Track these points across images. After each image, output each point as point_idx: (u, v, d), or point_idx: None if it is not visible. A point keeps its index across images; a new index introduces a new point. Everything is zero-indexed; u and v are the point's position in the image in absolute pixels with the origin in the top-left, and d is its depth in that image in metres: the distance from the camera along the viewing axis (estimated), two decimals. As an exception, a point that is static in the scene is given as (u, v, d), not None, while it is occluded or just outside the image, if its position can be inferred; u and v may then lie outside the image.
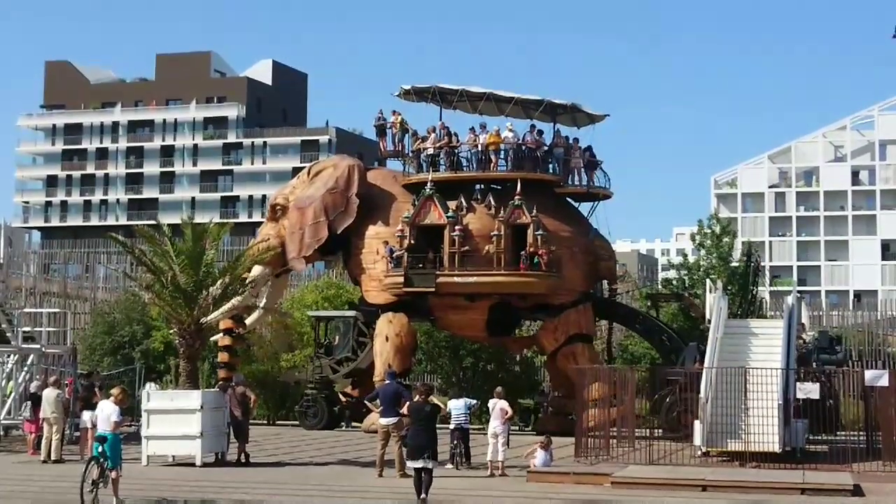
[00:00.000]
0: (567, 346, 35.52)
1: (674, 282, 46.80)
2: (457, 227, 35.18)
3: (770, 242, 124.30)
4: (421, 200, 35.68)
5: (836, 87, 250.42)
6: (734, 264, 46.10)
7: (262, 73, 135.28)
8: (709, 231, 46.75)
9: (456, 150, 36.78)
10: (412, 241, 35.28)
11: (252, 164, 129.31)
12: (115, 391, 20.98)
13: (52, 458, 26.84)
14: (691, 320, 39.11)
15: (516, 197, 35.15)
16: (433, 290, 35.05)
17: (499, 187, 36.32)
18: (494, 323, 36.13)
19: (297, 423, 38.59)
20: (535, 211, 35.04)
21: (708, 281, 35.99)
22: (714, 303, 30.27)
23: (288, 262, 36.90)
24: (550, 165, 36.95)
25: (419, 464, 20.00)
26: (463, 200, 35.82)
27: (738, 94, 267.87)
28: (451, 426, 26.22)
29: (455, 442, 25.86)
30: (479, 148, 36.41)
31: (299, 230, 36.59)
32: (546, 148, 36.86)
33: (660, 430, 30.44)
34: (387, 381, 25.83)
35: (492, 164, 36.36)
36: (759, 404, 25.85)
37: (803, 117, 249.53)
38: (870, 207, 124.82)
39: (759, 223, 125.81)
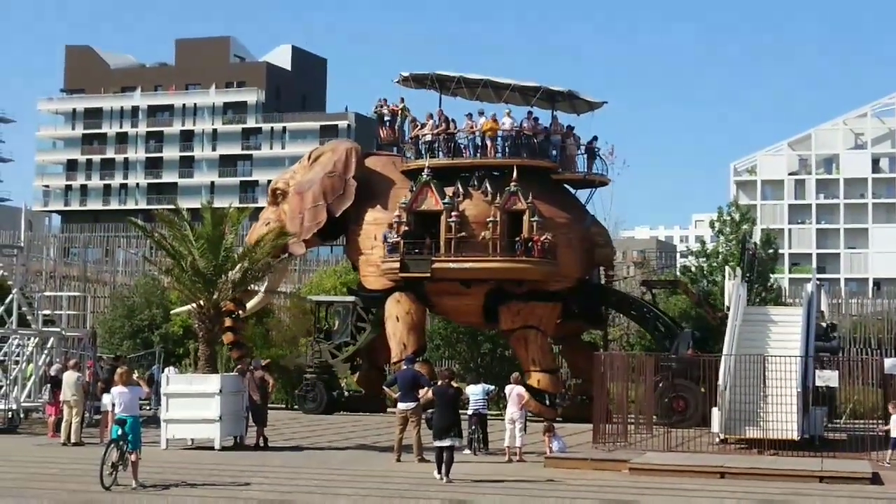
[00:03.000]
0: (521, 330, 35.87)
1: (692, 269, 46.76)
2: (453, 214, 35.42)
3: (789, 230, 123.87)
4: (418, 187, 35.96)
5: (857, 75, 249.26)
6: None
7: (281, 58, 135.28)
8: (728, 218, 46.68)
9: (454, 137, 36.97)
10: (408, 227, 35.50)
11: (271, 149, 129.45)
12: (119, 370, 21.09)
13: (72, 440, 26.99)
14: (710, 308, 39.03)
15: (512, 183, 35.32)
16: (428, 275, 35.28)
17: (496, 174, 36.43)
18: (491, 309, 36.29)
19: None
20: (531, 197, 35.19)
21: (727, 268, 35.93)
22: (733, 290, 30.19)
23: (288, 247, 37.00)
24: (553, 153, 37.06)
25: (446, 442, 21.29)
26: (460, 187, 36.09)
27: (758, 81, 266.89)
28: (469, 412, 26.28)
29: (473, 427, 25.93)
30: (476, 134, 36.60)
31: (299, 215, 36.90)
32: (544, 135, 36.99)
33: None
34: (404, 367, 25.94)
35: (489, 151, 36.53)
36: (778, 392, 25.80)
37: (823, 104, 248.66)
38: (890, 195, 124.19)
39: (779, 210, 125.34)
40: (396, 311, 36.24)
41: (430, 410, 23.30)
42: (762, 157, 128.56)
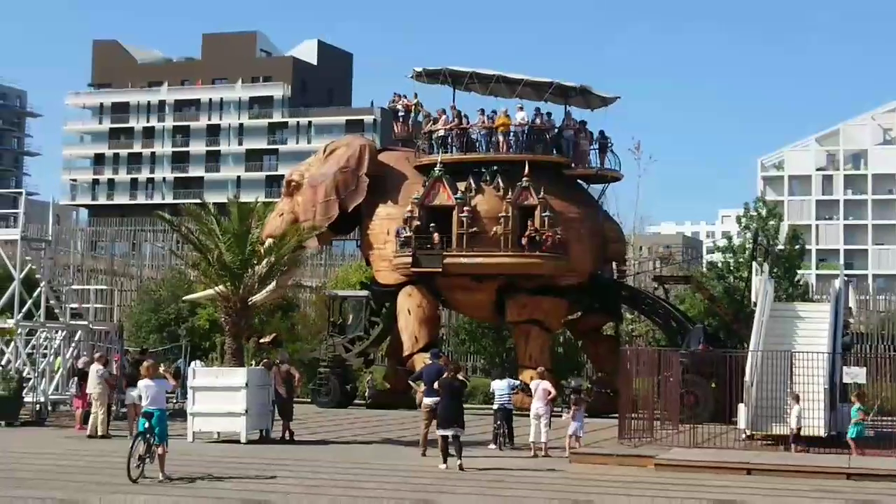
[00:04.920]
0: (525, 324, 36.04)
1: (718, 264, 46.59)
2: (465, 209, 35.54)
3: (817, 226, 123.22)
4: (430, 182, 36.11)
5: (886, 69, 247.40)
6: (780, 247, 45.80)
7: (307, 52, 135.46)
8: (755, 214, 46.46)
9: (467, 132, 37.07)
10: (420, 223, 35.63)
11: (297, 143, 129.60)
12: (145, 364, 21.20)
13: (99, 433, 27.10)
14: (737, 304, 38.92)
15: (524, 178, 35.39)
16: (440, 270, 35.40)
17: (508, 169, 36.52)
18: (502, 304, 36.39)
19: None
20: (542, 192, 35.26)
21: (754, 264, 35.79)
22: (760, 286, 30.05)
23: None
24: (566, 147, 37.15)
25: (449, 432, 22.12)
26: (472, 182, 36.19)
27: (785, 76, 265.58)
28: (495, 407, 26.26)
29: (498, 422, 25.89)
30: (489, 129, 36.70)
31: (312, 208, 37.11)
32: (556, 130, 37.06)
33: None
34: (430, 361, 25.95)
35: (501, 146, 36.62)
36: (805, 388, 25.66)
37: (851, 99, 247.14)
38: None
39: (806, 206, 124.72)
40: (408, 304, 36.45)
41: (435, 401, 23.45)
42: (789, 152, 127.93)
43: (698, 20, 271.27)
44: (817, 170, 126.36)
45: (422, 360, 34.53)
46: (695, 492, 19.71)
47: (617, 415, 27.04)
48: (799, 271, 46.34)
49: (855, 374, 26.55)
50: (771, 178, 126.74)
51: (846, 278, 33.45)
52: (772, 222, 46.50)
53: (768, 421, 26.31)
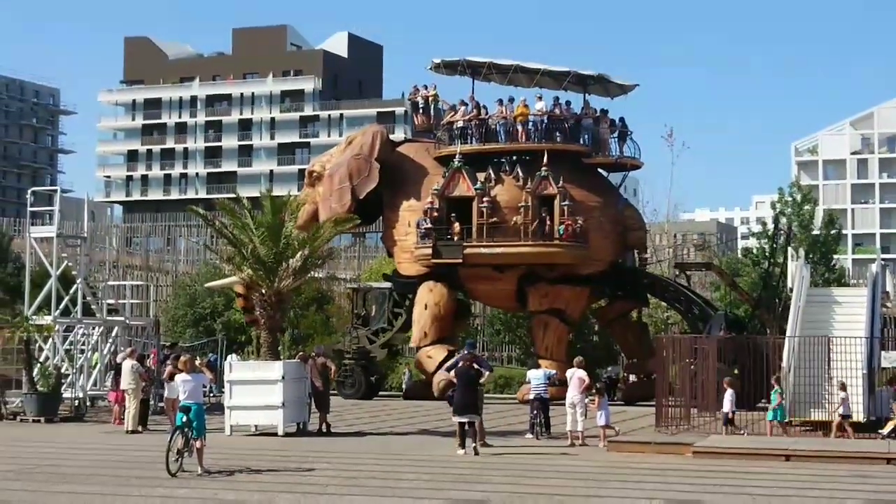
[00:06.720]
0: (545, 314, 36.09)
1: (754, 250, 46.43)
2: (485, 199, 35.57)
3: (852, 210, 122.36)
4: (450, 173, 36.17)
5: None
6: (815, 232, 45.60)
7: (337, 45, 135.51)
8: (789, 199, 46.26)
9: (487, 122, 37.11)
10: (436, 213, 35.88)
11: (329, 136, 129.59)
12: (182, 358, 21.33)
13: (129, 427, 27.27)
14: (771, 290, 38.76)
15: (543, 168, 35.38)
16: (460, 261, 35.47)
17: (528, 158, 36.51)
18: (525, 293, 36.35)
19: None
20: (561, 182, 35.25)
21: (790, 249, 35.62)
22: (796, 271, 29.90)
23: None
24: (585, 136, 37.14)
25: (466, 419, 22.69)
26: (491, 172, 36.24)
27: (819, 60, 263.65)
28: (531, 396, 26.25)
29: (535, 412, 25.89)
30: (508, 119, 36.73)
31: (329, 197, 37.30)
32: (575, 119, 37.07)
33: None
34: (465, 352, 25.98)
35: (520, 136, 36.64)
36: (843, 373, 25.51)
37: (886, 82, 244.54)
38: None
39: (841, 190, 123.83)
40: (427, 298, 36.63)
41: (451, 389, 23.86)
42: (824, 136, 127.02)
43: (731, 4, 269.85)
44: (852, 153, 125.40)
45: (426, 355, 35.12)
46: (734, 479, 19.62)
47: (651, 401, 26.95)
48: (835, 256, 46.14)
49: (894, 359, 26.37)
50: (805, 163, 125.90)
51: (883, 262, 33.22)
52: (807, 207, 46.35)
53: (806, 407, 26.20)
